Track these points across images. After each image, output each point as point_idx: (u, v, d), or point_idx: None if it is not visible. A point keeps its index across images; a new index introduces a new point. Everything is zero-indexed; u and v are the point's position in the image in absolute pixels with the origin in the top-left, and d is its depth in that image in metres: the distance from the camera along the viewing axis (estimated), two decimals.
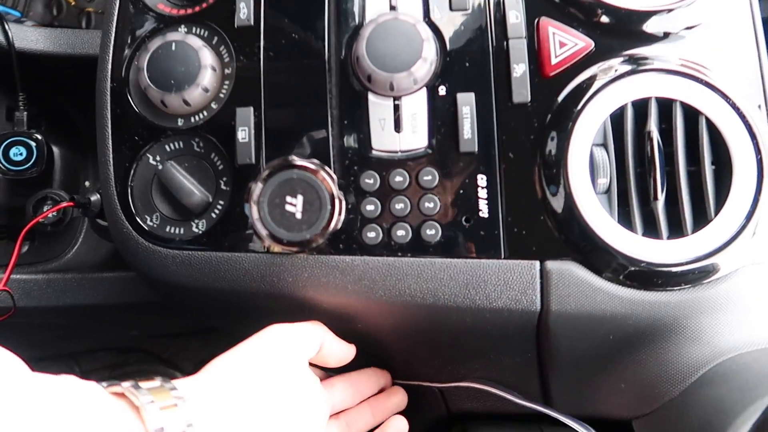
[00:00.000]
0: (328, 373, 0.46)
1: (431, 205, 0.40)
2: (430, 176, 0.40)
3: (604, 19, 0.39)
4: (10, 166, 0.53)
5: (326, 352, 0.42)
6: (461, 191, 0.40)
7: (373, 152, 0.40)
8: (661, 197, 0.38)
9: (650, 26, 0.40)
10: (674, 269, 0.38)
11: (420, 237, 0.40)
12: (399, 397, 0.48)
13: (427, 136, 0.40)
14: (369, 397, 0.47)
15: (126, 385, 0.30)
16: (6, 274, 0.50)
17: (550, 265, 0.39)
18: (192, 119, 0.42)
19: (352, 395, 0.45)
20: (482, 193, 0.40)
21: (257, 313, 0.44)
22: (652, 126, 0.38)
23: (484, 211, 0.40)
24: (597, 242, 0.38)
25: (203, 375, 0.36)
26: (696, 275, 0.38)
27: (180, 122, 0.42)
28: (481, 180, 0.40)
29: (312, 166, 0.37)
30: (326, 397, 0.41)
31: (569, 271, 0.39)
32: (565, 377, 0.45)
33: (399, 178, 0.40)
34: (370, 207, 0.40)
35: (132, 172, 0.43)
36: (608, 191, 0.39)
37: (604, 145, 0.39)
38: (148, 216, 0.43)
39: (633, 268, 0.38)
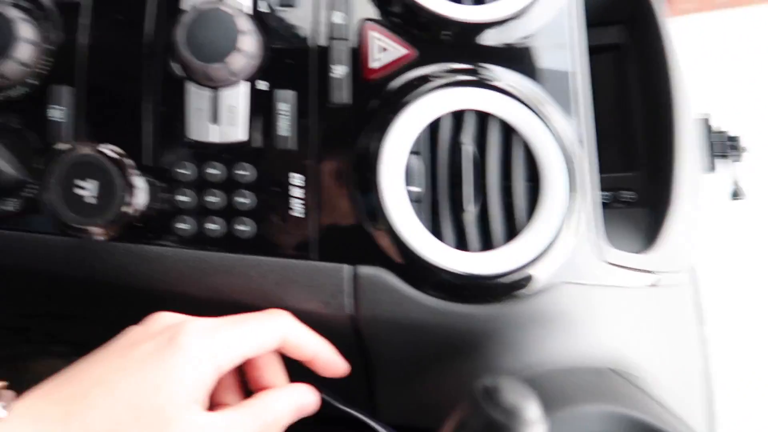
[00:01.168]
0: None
1: (245, 200, 0.39)
2: (245, 171, 0.39)
3: (429, 27, 0.39)
4: None
5: (293, 339, 0.36)
6: (276, 189, 0.39)
7: (189, 142, 0.39)
8: (471, 209, 0.38)
9: (478, 38, 0.39)
10: (482, 282, 0.38)
11: (233, 232, 0.39)
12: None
13: (246, 130, 0.39)
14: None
15: None
16: None
17: (362, 270, 0.39)
18: (10, 92, 0.41)
19: None
20: (297, 192, 0.39)
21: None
22: (465, 137, 0.38)
23: (298, 211, 0.39)
24: (407, 250, 0.38)
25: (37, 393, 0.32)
26: (504, 289, 0.38)
27: None
28: (297, 179, 0.39)
29: (109, 152, 0.36)
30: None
31: (380, 278, 0.39)
32: (390, 384, 0.45)
33: (214, 171, 0.39)
34: (184, 198, 0.39)
35: None
36: (420, 200, 0.39)
37: (419, 153, 0.39)
38: None
39: (441, 278, 0.38)
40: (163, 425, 0.31)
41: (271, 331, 0.36)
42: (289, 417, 0.37)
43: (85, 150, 0.36)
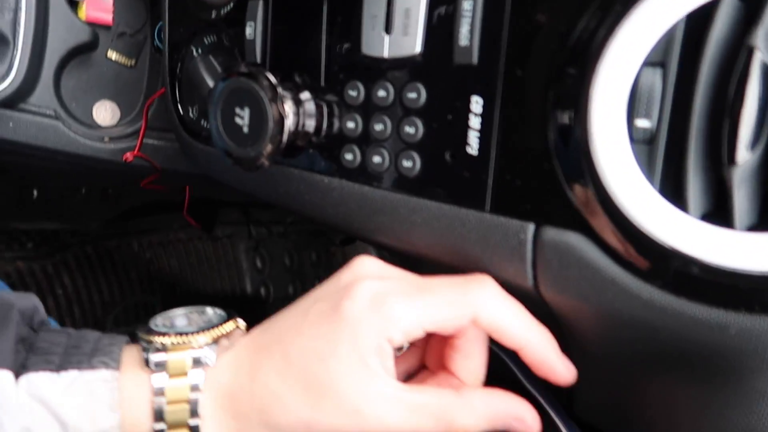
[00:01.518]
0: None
1: (412, 130, 0.32)
2: (415, 93, 0.31)
3: None
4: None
5: (488, 319, 0.29)
6: (449, 116, 0.31)
7: (361, 56, 0.33)
8: (747, 157, 0.23)
9: None
10: (750, 280, 0.24)
11: (397, 167, 0.33)
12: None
13: (421, 40, 0.31)
14: None
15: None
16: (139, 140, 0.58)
17: (548, 233, 0.28)
18: (222, 11, 0.41)
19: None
20: (474, 122, 0.30)
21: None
22: (757, 38, 0.22)
23: (473, 146, 0.30)
24: (621, 217, 0.26)
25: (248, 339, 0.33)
26: None
27: (213, 14, 0.41)
28: (476, 104, 0.30)
29: (249, 71, 0.32)
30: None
31: (572, 248, 0.28)
32: (590, 381, 0.33)
33: (382, 93, 0.32)
34: (351, 124, 0.34)
35: (179, 63, 0.44)
36: (652, 141, 0.25)
37: (662, 65, 0.25)
38: (190, 107, 0.44)
39: (678, 267, 0.25)
40: (330, 394, 0.29)
41: (458, 306, 0.29)
42: (485, 428, 0.30)
43: (243, 76, 0.33)
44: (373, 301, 0.29)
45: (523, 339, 0.29)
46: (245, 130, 0.33)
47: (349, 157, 0.34)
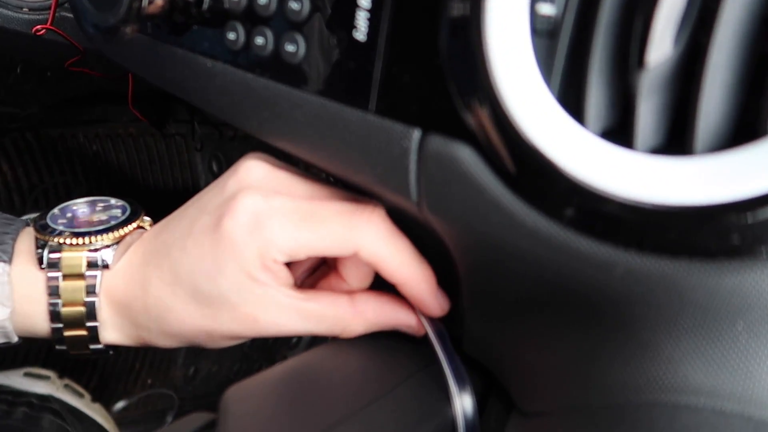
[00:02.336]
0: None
1: (297, 5, 0.26)
2: None
3: None
4: None
5: (368, 257, 0.28)
6: None
7: None
8: (660, 59, 0.18)
9: None
10: (643, 213, 0.20)
11: (280, 52, 0.28)
12: None
13: None
14: None
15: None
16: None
17: (434, 141, 0.24)
18: None
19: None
20: (364, 2, 0.25)
21: None
22: None
23: (360, 30, 0.25)
24: (508, 126, 0.21)
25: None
26: (710, 237, 0.19)
27: None
28: None
29: None
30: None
31: (458, 161, 0.23)
32: (474, 309, 0.30)
33: None
34: None
35: None
36: (555, 34, 0.20)
37: None
38: None
39: (564, 190, 0.21)
40: (225, 307, 0.29)
41: (341, 241, 0.28)
42: (367, 331, 0.31)
43: None
44: (254, 223, 0.28)
45: (401, 277, 0.29)
46: None
47: (232, 36, 0.29)
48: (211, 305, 0.29)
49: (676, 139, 0.19)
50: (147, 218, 0.34)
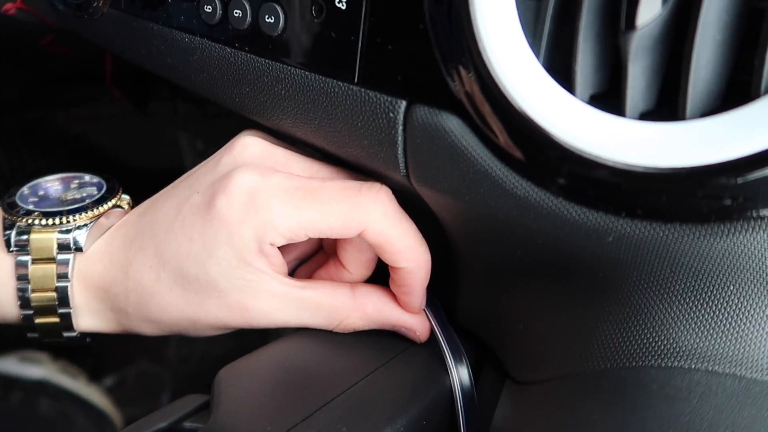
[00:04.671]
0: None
1: None
2: None
3: None
4: None
5: (373, 239, 0.26)
6: None
7: None
8: (649, 18, 0.18)
9: None
10: (633, 178, 0.19)
11: (259, 24, 0.27)
12: None
13: None
14: None
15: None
16: None
17: (420, 112, 0.23)
18: None
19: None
20: None
21: None
22: None
23: None
24: (496, 93, 0.21)
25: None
26: (701, 200, 0.19)
27: None
28: None
29: None
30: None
31: (446, 131, 0.23)
32: (467, 280, 0.30)
33: None
34: None
35: None
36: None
37: None
38: None
39: (553, 158, 0.21)
40: (213, 295, 0.27)
41: (346, 221, 0.26)
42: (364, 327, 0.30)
43: None
44: (251, 201, 0.26)
45: (406, 261, 0.27)
46: None
47: (208, 9, 0.28)
48: (198, 291, 0.27)
49: (667, 103, 0.19)
50: (125, 196, 0.32)
